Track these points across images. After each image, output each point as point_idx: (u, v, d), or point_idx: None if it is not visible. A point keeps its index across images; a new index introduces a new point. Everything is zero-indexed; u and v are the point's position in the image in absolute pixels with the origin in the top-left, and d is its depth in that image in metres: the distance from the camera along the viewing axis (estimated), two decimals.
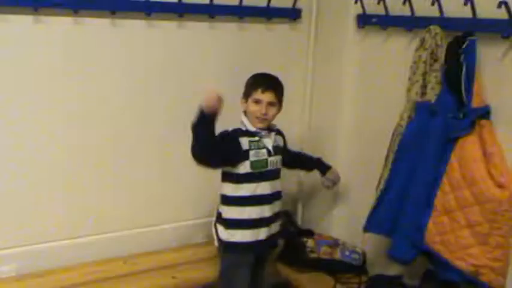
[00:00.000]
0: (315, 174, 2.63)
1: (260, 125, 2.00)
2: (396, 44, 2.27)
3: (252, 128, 2.00)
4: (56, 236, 2.27)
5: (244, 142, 1.98)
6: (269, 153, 2.02)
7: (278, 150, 2.07)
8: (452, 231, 1.91)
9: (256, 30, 2.51)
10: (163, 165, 2.44)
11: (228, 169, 2.00)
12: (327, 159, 2.57)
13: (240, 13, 2.43)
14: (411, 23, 2.16)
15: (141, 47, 2.29)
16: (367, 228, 2.16)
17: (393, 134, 2.14)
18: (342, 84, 2.58)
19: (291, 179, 2.76)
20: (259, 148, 2.00)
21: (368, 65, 2.45)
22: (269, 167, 2.02)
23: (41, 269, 2.21)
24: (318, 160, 2.31)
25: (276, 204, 2.08)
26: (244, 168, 1.98)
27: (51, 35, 2.12)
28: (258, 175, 2.00)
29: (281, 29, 2.58)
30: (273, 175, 2.05)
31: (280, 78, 2.49)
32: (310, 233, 2.60)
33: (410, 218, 2.03)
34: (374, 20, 2.33)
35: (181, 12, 2.31)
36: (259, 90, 1.98)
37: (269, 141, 2.04)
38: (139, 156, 2.39)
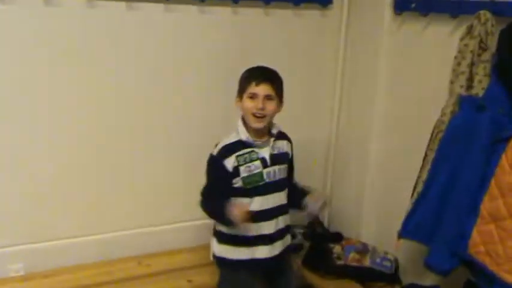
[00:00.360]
0: (346, 169, 2.56)
1: (258, 125, 1.80)
2: (438, 32, 2.08)
3: (244, 137, 1.81)
4: (66, 233, 2.16)
5: (230, 161, 1.80)
6: (264, 164, 1.83)
7: (280, 158, 1.86)
8: (500, 241, 1.72)
9: (282, 17, 2.38)
10: (181, 162, 2.31)
11: None
12: (358, 158, 2.53)
13: None
14: (457, 8, 1.97)
15: (159, 32, 2.16)
16: (402, 234, 1.98)
17: (433, 131, 1.97)
18: (376, 76, 2.39)
19: (317, 174, 2.67)
20: (251, 161, 1.81)
21: (405, 56, 2.27)
22: (266, 180, 1.83)
23: (50, 269, 2.10)
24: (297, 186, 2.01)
25: (280, 220, 1.89)
26: (237, 183, 1.82)
27: (64, 19, 1.99)
28: (252, 190, 1.82)
29: (310, 15, 2.44)
30: (273, 188, 1.85)
31: (309, 69, 2.48)
32: (338, 237, 2.45)
33: (451, 224, 1.85)
34: (413, 5, 2.14)
35: None
36: (254, 83, 1.79)
37: (266, 150, 1.84)
38: (153, 153, 2.27)
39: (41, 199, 2.09)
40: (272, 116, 1.83)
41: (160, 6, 2.12)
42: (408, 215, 1.96)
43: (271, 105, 1.80)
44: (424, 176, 1.96)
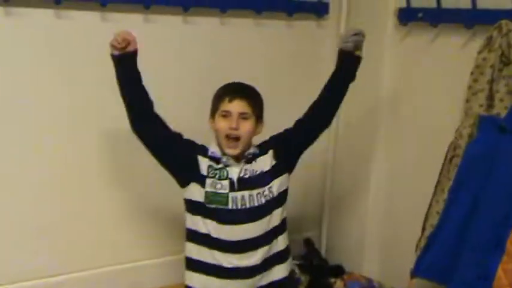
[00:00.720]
0: (345, 195, 2.41)
1: (232, 151, 1.60)
2: (449, 45, 1.93)
3: (217, 154, 1.62)
4: (41, 272, 1.94)
5: (203, 164, 1.62)
6: (232, 187, 1.61)
7: (253, 182, 1.63)
8: None
9: (274, 28, 2.26)
10: (155, 195, 2.09)
11: (183, 192, 1.65)
12: (359, 182, 2.38)
13: (257, 7, 2.15)
14: (472, 18, 1.82)
15: (148, 44, 1.93)
16: (416, 273, 1.80)
17: (447, 156, 1.81)
18: (377, 94, 2.24)
19: (313, 199, 2.52)
20: (219, 178, 1.61)
21: (411, 71, 2.12)
22: (231, 206, 1.60)
23: None
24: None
25: (259, 253, 1.64)
26: (198, 194, 1.61)
27: (29, 30, 1.79)
28: (213, 212, 1.60)
29: (304, 26, 2.29)
30: (246, 217, 1.62)
31: (303, 85, 2.30)
32: (339, 270, 2.27)
33: (472, 261, 1.66)
34: (420, 14, 1.99)
35: (187, 5, 2.01)
36: (227, 100, 1.60)
37: (236, 172, 1.62)
38: (131, 184, 2.07)
39: (16, 236, 1.89)
40: (248, 138, 1.63)
41: (139, 16, 1.94)
42: (422, 251, 1.79)
43: (246, 125, 1.60)
44: (439, 206, 1.79)
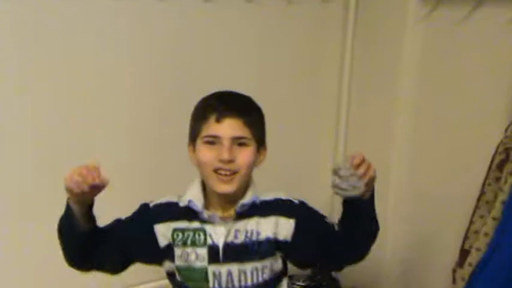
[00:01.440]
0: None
1: (225, 188, 1.19)
2: (493, 20, 1.67)
3: (197, 204, 1.21)
4: None
5: (164, 232, 1.22)
6: (213, 258, 1.21)
7: (245, 252, 1.22)
8: None
9: (271, 9, 2.01)
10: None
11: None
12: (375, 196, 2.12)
13: None
14: None
15: (107, 27, 1.72)
16: None
17: (493, 160, 1.55)
18: (396, 84, 2.02)
19: (319, 202, 2.22)
20: (193, 244, 1.21)
21: (440, 55, 1.87)
22: (211, 285, 1.21)
23: None
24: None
25: None
26: (172, 270, 1.25)
27: None
28: None
29: (307, 4, 2.08)
30: None
31: (304, 78, 2.16)
32: None
33: None
34: None
35: None
36: (213, 119, 1.18)
37: (220, 232, 1.21)
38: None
39: None
40: (249, 173, 1.22)
41: None
42: (468, 285, 1.51)
43: (245, 155, 1.19)
44: (487, 225, 1.51)
